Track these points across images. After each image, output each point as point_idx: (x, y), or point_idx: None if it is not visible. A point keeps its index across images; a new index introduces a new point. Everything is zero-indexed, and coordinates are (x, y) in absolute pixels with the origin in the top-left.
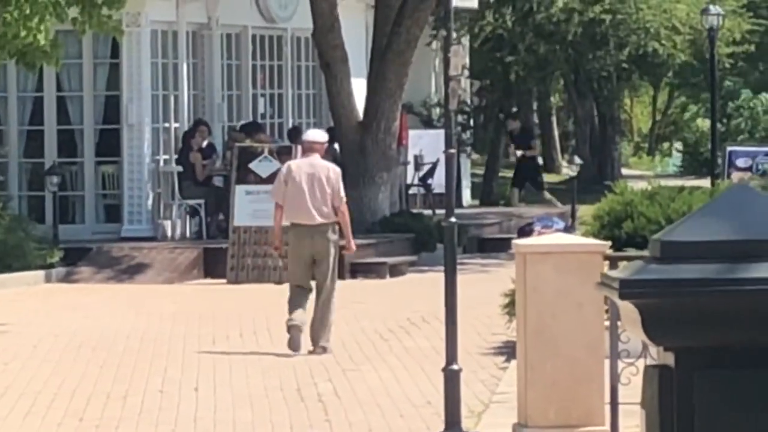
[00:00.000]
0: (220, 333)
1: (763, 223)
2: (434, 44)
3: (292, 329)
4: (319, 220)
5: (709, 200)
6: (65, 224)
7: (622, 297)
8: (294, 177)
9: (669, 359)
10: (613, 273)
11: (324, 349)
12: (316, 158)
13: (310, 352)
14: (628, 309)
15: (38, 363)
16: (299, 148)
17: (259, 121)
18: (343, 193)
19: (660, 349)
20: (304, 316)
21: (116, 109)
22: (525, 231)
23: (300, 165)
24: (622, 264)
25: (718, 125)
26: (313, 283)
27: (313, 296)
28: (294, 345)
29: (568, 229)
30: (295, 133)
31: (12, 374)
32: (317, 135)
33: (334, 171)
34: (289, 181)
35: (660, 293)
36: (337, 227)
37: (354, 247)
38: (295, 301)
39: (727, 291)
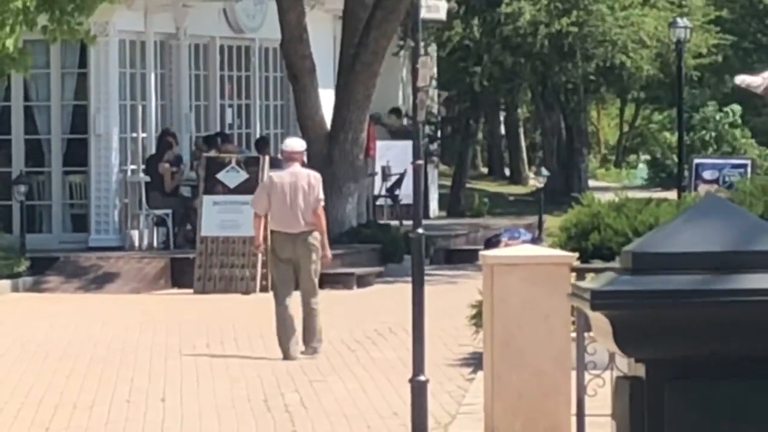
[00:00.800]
0: (187, 343)
1: (736, 234)
2: (401, 54)
3: (284, 348)
4: (301, 228)
5: (682, 211)
6: (32, 233)
7: (594, 308)
8: (276, 188)
9: (640, 371)
10: (585, 284)
11: (314, 350)
12: (296, 167)
13: (302, 353)
14: (599, 320)
15: (5, 372)
16: (266, 158)
17: (227, 131)
18: (321, 196)
19: (631, 361)
20: (293, 328)
21: (84, 119)
22: (492, 242)
23: (282, 175)
24: (589, 276)
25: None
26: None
27: (299, 301)
28: (286, 352)
29: (535, 241)
30: (263, 144)
31: None
32: (296, 144)
33: (315, 177)
34: (271, 193)
35: (632, 305)
36: (317, 234)
37: (330, 256)
38: (280, 317)
39: (699, 303)
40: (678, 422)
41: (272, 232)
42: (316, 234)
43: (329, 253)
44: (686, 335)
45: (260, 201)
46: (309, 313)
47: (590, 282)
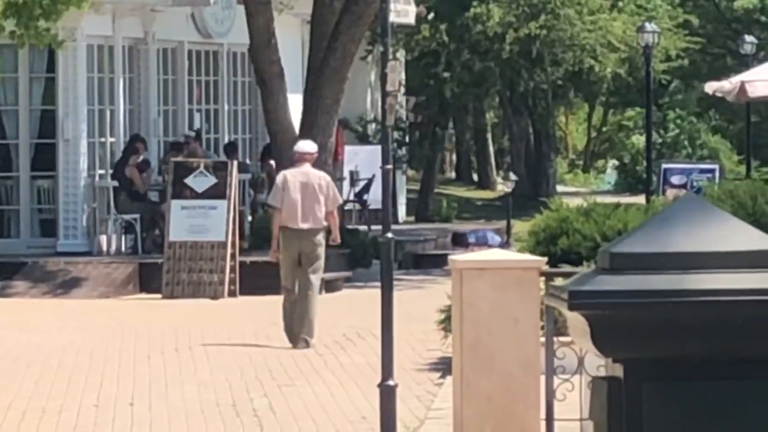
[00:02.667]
0: (156, 348)
1: (712, 234)
2: (369, 59)
3: (288, 333)
4: (308, 225)
5: (659, 211)
6: (0, 238)
7: (571, 308)
8: (288, 185)
9: (618, 371)
10: (562, 284)
11: (306, 342)
12: (307, 167)
13: (295, 347)
14: (577, 320)
15: None
16: (235, 163)
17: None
18: (339, 198)
19: (609, 361)
20: (295, 322)
21: (52, 124)
22: (460, 239)
23: (294, 174)
24: (559, 280)
25: (656, 136)
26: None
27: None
28: (293, 343)
29: (504, 245)
30: (231, 149)
31: None
32: (308, 146)
33: (325, 179)
34: (285, 189)
35: (609, 304)
36: (324, 232)
37: (338, 240)
38: (287, 306)
39: (676, 302)
40: (656, 422)
41: (281, 227)
42: (321, 234)
43: (338, 237)
44: (664, 335)
45: (278, 195)
46: (306, 303)
47: (568, 282)
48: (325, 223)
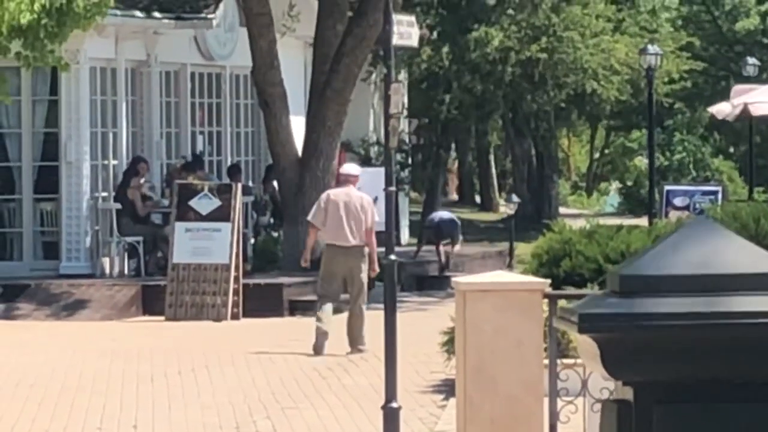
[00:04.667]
0: (159, 370)
1: (722, 257)
2: (372, 81)
3: (319, 335)
4: (353, 242)
5: (670, 233)
6: (3, 261)
7: (581, 331)
8: (331, 204)
9: (628, 394)
10: (572, 306)
11: (360, 351)
12: (351, 189)
13: (348, 353)
14: (586, 343)
15: None
16: (239, 185)
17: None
18: (377, 218)
19: (619, 384)
20: (331, 325)
21: (55, 146)
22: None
23: (338, 194)
24: (562, 302)
25: (661, 159)
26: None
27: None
28: (318, 349)
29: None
30: (235, 171)
31: None
32: (352, 169)
33: (367, 200)
34: (328, 209)
35: (619, 327)
36: (366, 249)
37: (377, 269)
38: (324, 312)
39: (686, 326)
40: None
41: (327, 245)
42: (365, 249)
43: (377, 266)
44: (674, 358)
45: (318, 214)
46: (355, 317)
47: (577, 305)
48: (366, 240)
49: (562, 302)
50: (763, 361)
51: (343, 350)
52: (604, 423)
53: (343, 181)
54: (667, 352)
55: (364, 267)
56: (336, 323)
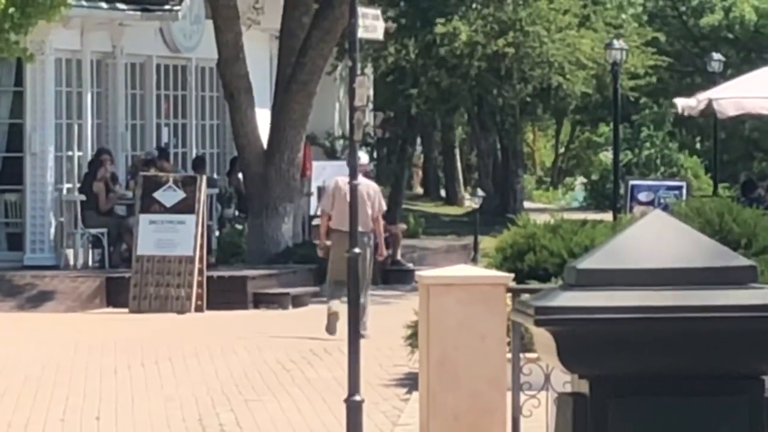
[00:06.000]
0: (122, 362)
1: (677, 250)
2: (337, 74)
3: (331, 316)
4: (359, 228)
5: (626, 227)
6: None
7: (538, 324)
8: (340, 191)
9: (584, 387)
10: (529, 300)
11: (362, 336)
12: (359, 177)
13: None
14: (543, 336)
15: None
16: (204, 177)
17: (164, 148)
18: (384, 206)
19: (575, 377)
20: (342, 306)
21: (19, 138)
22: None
23: (346, 182)
24: (525, 296)
25: (629, 155)
26: None
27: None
28: (331, 329)
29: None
30: (200, 163)
31: None
32: (361, 158)
33: (374, 188)
34: (336, 195)
35: (575, 320)
36: (373, 235)
37: (384, 253)
38: (335, 293)
39: (641, 319)
40: None
41: (333, 230)
42: (371, 236)
43: (384, 251)
44: (629, 351)
45: (328, 201)
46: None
47: (534, 298)
48: (372, 227)
49: (525, 296)
50: (716, 354)
51: (307, 343)
52: (560, 416)
53: None
54: (622, 346)
55: (368, 253)
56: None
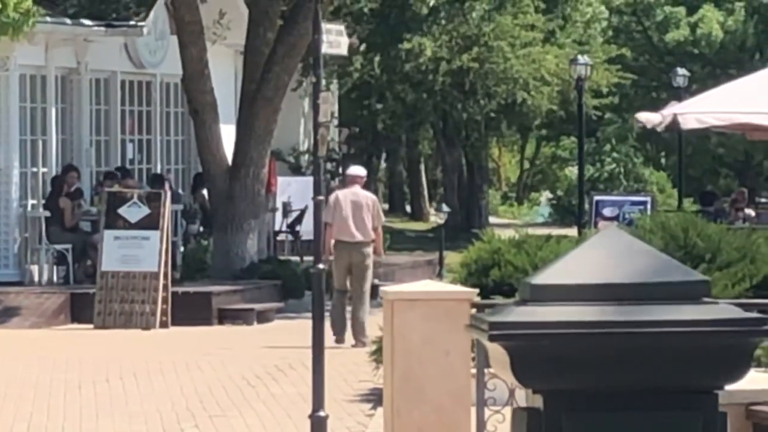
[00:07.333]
0: (87, 378)
1: (633, 266)
2: (302, 90)
3: (337, 331)
4: (358, 238)
5: (580, 243)
6: None
7: (492, 339)
8: (341, 203)
9: (538, 401)
10: (483, 315)
11: (364, 344)
12: (357, 188)
13: (353, 346)
14: (497, 351)
15: None
16: (168, 193)
17: (128, 166)
18: (383, 217)
19: (529, 392)
20: (344, 316)
21: None
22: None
23: (345, 194)
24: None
25: (592, 170)
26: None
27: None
28: (339, 340)
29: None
30: (158, 180)
31: None
32: (358, 170)
33: (373, 199)
34: (336, 207)
35: (528, 335)
36: (372, 244)
37: (383, 254)
38: (337, 305)
39: (593, 334)
40: None
41: (336, 241)
42: (371, 247)
43: (383, 253)
44: (582, 367)
45: (329, 212)
46: (358, 308)
47: (488, 313)
48: (372, 236)
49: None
50: (668, 369)
51: (271, 358)
52: (514, 430)
53: (350, 181)
54: (575, 361)
55: (369, 262)
56: (280, 329)
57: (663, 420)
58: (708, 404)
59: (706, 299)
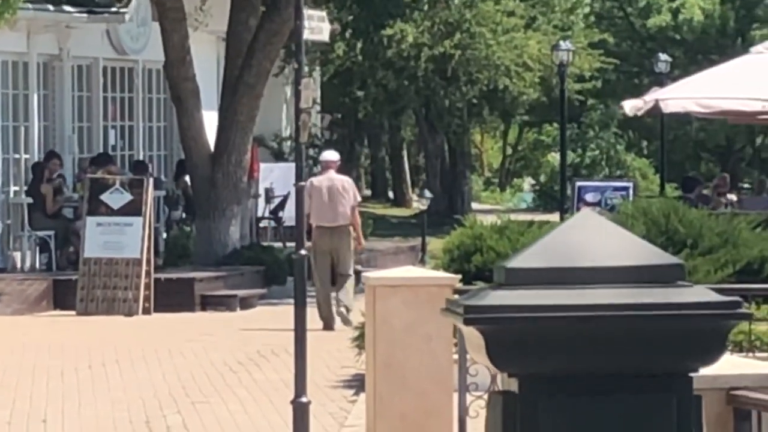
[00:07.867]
0: (69, 365)
1: (605, 249)
2: (284, 76)
3: (324, 318)
4: (337, 222)
5: (556, 226)
6: None
7: (467, 323)
8: (316, 189)
9: (513, 385)
10: (458, 299)
11: (346, 308)
12: (331, 173)
13: (336, 310)
14: (473, 335)
15: None
16: (151, 179)
17: (110, 152)
18: (359, 197)
19: (504, 376)
20: (330, 305)
21: None
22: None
23: (320, 180)
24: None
25: (574, 156)
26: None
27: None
28: (329, 327)
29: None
30: (141, 167)
31: None
32: (332, 155)
33: (348, 182)
34: (313, 193)
35: (503, 319)
36: (351, 228)
37: (363, 244)
38: (322, 294)
39: (568, 317)
40: None
41: (315, 227)
42: (350, 228)
43: (363, 241)
44: (558, 350)
45: (306, 203)
46: (342, 288)
47: (464, 297)
48: (350, 220)
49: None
50: (644, 353)
51: (254, 345)
52: (490, 414)
53: (324, 167)
54: (550, 344)
55: (351, 243)
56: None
57: (637, 403)
58: (682, 387)
59: (680, 282)
